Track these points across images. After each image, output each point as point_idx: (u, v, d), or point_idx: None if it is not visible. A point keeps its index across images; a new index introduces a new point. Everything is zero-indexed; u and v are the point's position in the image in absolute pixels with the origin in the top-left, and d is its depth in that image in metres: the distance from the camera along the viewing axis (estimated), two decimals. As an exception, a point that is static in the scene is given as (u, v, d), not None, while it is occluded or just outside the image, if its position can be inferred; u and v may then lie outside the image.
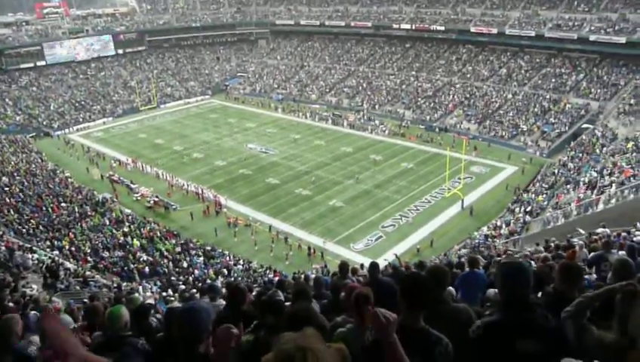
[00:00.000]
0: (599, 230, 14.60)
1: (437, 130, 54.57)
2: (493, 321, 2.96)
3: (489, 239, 28.93)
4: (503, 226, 30.85)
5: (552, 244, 13.69)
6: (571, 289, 3.74)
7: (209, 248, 31.47)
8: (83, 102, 67.53)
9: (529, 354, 2.70)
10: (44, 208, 33.51)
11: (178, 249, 30.46)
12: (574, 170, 36.44)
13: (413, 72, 67.39)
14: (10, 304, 10.49)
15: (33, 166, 43.64)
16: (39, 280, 18.42)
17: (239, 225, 35.60)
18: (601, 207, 22.97)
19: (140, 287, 21.28)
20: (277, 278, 20.15)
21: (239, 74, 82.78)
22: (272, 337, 3.15)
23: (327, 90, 70.51)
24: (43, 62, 70.50)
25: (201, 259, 29.47)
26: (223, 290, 10.63)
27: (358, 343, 3.13)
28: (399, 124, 56.63)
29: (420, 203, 38.03)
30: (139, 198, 40.07)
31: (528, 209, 32.19)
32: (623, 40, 50.88)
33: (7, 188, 35.68)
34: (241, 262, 29.86)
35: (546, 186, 36.24)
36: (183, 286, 19.86)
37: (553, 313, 3.14)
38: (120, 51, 78.53)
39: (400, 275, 5.32)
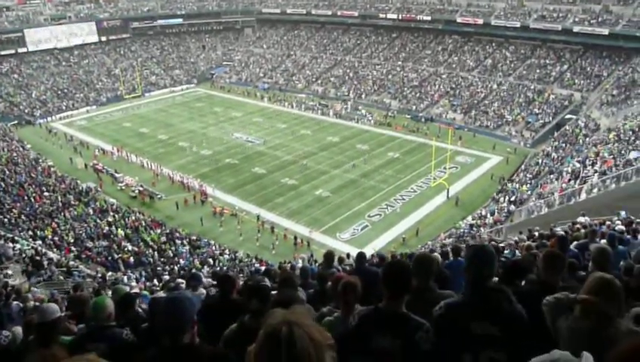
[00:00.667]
0: (580, 219, 14.82)
1: (423, 119, 54.76)
2: (454, 301, 3.03)
3: (474, 228, 29.21)
4: (488, 215, 31.16)
5: (536, 233, 13.86)
6: (555, 278, 3.79)
7: (194, 238, 31.36)
8: (66, 90, 66.50)
9: (482, 335, 2.75)
10: (26, 197, 33.00)
11: (163, 238, 30.29)
12: (558, 160, 36.84)
13: (400, 62, 67.39)
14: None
15: (15, 154, 42.89)
16: (22, 270, 18.21)
17: (225, 215, 35.50)
18: (583, 196, 23.27)
19: (125, 277, 21.18)
20: (263, 268, 20.16)
21: (225, 63, 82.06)
22: (256, 322, 3.15)
23: (314, 80, 70.27)
24: (24, 49, 69.14)
25: (187, 248, 29.37)
26: (208, 280, 10.62)
27: (342, 332, 3.15)
28: (385, 114, 56.71)
29: (406, 192, 38.23)
30: (123, 188, 39.71)
31: (512, 198, 32.53)
32: (605, 32, 51.36)
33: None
34: (227, 251, 29.81)
35: (530, 176, 36.63)
36: (167, 276, 19.77)
37: (537, 301, 3.19)
38: (103, 38, 77.31)
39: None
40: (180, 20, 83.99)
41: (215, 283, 8.46)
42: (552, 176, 32.81)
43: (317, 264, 17.35)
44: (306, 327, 1.59)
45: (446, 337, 2.84)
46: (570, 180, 28.40)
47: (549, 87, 53.47)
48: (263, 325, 1.64)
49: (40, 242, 25.24)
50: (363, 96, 63.12)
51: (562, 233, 11.70)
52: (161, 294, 6.68)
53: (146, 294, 10.43)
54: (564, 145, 39.80)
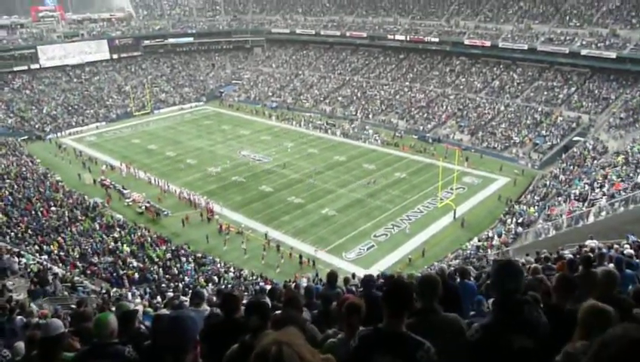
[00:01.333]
0: (588, 242, 14.68)
1: (430, 140, 54.81)
2: (488, 322, 3.02)
3: (480, 250, 28.99)
4: (495, 237, 30.93)
5: (542, 256, 13.73)
6: (565, 301, 3.76)
7: (200, 255, 31.30)
8: (76, 106, 67.30)
9: (526, 349, 2.75)
10: (33, 212, 33.22)
11: (169, 255, 30.27)
12: (565, 182, 36.67)
13: (407, 83, 67.77)
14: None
15: (24, 169, 43.34)
16: (26, 285, 18.21)
17: (231, 233, 35.47)
18: (591, 219, 23.11)
19: (129, 294, 21.12)
20: (268, 286, 20.05)
21: (234, 81, 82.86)
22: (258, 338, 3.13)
23: (322, 99, 70.71)
24: (37, 66, 70.23)
25: (192, 265, 29.30)
26: (214, 298, 10.56)
27: (345, 353, 3.13)
28: (393, 134, 56.83)
29: (413, 213, 38.08)
30: (130, 204, 39.84)
31: (520, 220, 32.32)
32: (613, 55, 51.49)
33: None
34: (232, 269, 29.70)
35: (538, 198, 36.43)
36: (171, 293, 19.71)
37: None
38: (115, 56, 78.45)
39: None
40: (190, 39, 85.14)
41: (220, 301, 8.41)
42: (559, 198, 32.62)
43: (322, 283, 17.24)
44: (296, 347, 1.59)
45: (487, 359, 2.83)
46: (577, 202, 28.22)
47: (557, 109, 53.47)
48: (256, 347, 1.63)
49: (46, 257, 25.29)
50: (370, 116, 63.37)
51: (570, 256, 11.59)
52: (165, 311, 6.64)
53: (150, 311, 10.39)
54: (571, 167, 39.66)
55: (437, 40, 67.54)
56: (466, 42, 64.59)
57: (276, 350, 1.56)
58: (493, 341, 2.85)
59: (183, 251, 31.41)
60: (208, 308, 6.54)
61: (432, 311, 3.54)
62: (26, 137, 57.73)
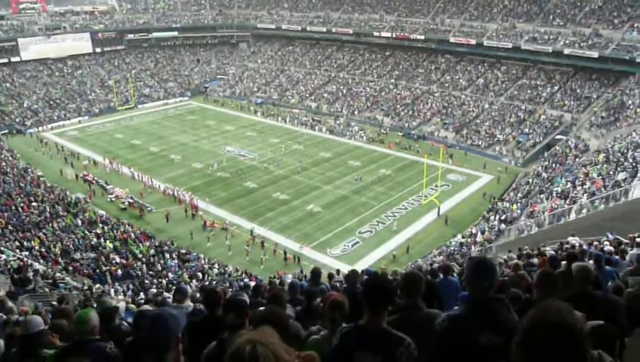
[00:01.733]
0: (570, 239, 14.89)
1: (415, 137, 55.08)
2: (457, 314, 3.04)
3: (464, 246, 29.24)
4: (478, 234, 31.22)
5: (524, 253, 13.90)
6: (546, 298, 3.78)
7: (184, 251, 31.10)
8: (58, 100, 66.30)
9: (491, 346, 2.75)
10: (13, 207, 32.66)
11: (152, 251, 30.02)
12: (548, 179, 37.12)
13: (393, 80, 67.97)
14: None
15: (3, 164, 42.55)
16: (7, 282, 17.93)
17: (215, 229, 35.30)
18: (573, 216, 23.42)
19: (112, 290, 20.93)
20: (253, 283, 20.01)
21: (219, 76, 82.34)
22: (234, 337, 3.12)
23: (307, 95, 70.62)
24: (18, 58, 69.00)
25: (176, 261, 29.11)
26: (197, 295, 10.51)
27: (328, 349, 3.13)
28: (378, 131, 56.99)
29: (397, 209, 38.27)
30: (113, 199, 39.43)
31: (503, 217, 32.65)
32: (595, 54, 52.19)
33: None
34: (216, 265, 29.57)
35: (521, 195, 36.82)
36: (154, 290, 19.57)
37: None
38: (98, 50, 77.42)
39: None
40: (175, 33, 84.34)
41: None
42: (542, 195, 33.01)
43: (307, 280, 17.26)
44: (271, 346, 1.59)
45: (451, 351, 2.84)
46: (559, 200, 28.59)
47: (540, 107, 54.07)
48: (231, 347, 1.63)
49: (26, 253, 24.91)
50: (356, 112, 63.47)
51: (552, 252, 11.74)
52: (147, 307, 6.58)
53: (132, 308, 10.29)
54: (554, 165, 40.15)
55: (422, 37, 67.81)
56: (452, 40, 64.94)
57: (250, 349, 1.55)
58: (459, 333, 2.86)
59: (166, 247, 31.18)
60: (191, 305, 6.50)
61: (415, 307, 3.56)
62: (6, 131, 56.74)
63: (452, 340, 2.86)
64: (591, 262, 6.62)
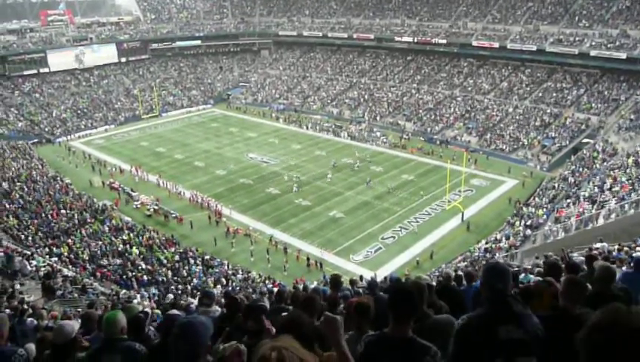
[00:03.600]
0: (598, 245, 14.59)
1: (438, 142, 54.67)
2: (476, 314, 3.05)
3: (489, 252, 28.86)
4: (503, 240, 30.79)
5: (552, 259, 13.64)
6: (574, 306, 3.73)
7: (208, 257, 31.40)
8: (85, 110, 67.79)
9: (510, 339, 2.74)
10: (43, 214, 33.50)
11: (177, 257, 30.39)
12: (574, 184, 36.43)
13: (415, 85, 67.68)
14: (7, 311, 10.47)
15: (34, 172, 43.70)
16: (38, 287, 18.38)
17: (238, 235, 35.54)
18: (601, 221, 22.94)
19: (138, 295, 21.23)
20: (276, 288, 20.08)
21: (241, 83, 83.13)
22: (254, 343, 3.17)
23: (329, 101, 70.77)
24: (46, 69, 70.83)
25: (200, 267, 29.40)
26: (222, 300, 10.60)
27: (355, 353, 3.15)
28: (400, 136, 56.74)
29: (420, 215, 37.99)
30: (139, 206, 40.05)
31: (528, 223, 32.14)
32: (623, 56, 51.13)
33: (7, 194, 35.76)
34: (240, 271, 29.76)
35: (547, 200, 36.21)
36: (171, 295, 19.78)
37: (556, 330, 3.14)
38: (123, 59, 78.94)
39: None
40: (198, 42, 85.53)
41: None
42: (568, 200, 32.41)
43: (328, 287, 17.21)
44: (295, 350, 1.62)
45: (471, 346, 2.84)
46: (587, 205, 28.02)
47: (566, 110, 53.16)
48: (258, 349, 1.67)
49: (56, 259, 25.49)
50: (378, 118, 63.34)
51: (581, 258, 11.51)
52: (175, 312, 6.65)
53: (158, 313, 10.44)
54: (581, 169, 39.39)
55: (444, 42, 67.41)
56: (474, 44, 64.42)
57: (277, 354, 1.59)
58: (478, 327, 2.87)
59: (191, 253, 31.53)
60: (219, 309, 6.56)
61: (423, 315, 3.57)
62: (35, 140, 58.20)
63: (471, 335, 2.87)
64: (624, 268, 6.48)
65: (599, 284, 4.11)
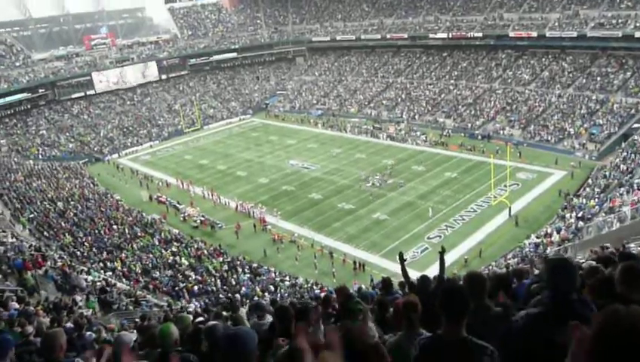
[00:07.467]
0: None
1: (479, 137, 53.61)
2: (536, 312, 2.95)
3: (540, 247, 28.02)
4: (554, 233, 29.83)
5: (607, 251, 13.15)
6: (631, 293, 3.58)
7: (255, 265, 31.79)
8: (130, 128, 70.09)
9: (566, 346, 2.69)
10: (96, 231, 34.79)
11: (225, 267, 30.92)
12: (627, 171, 34.94)
13: (452, 81, 66.65)
14: (69, 324, 10.93)
15: (86, 190, 45.43)
16: (94, 301, 19.07)
17: (284, 242, 35.86)
18: (658, 209, 21.91)
19: (190, 306, 21.70)
20: (323, 293, 20.13)
21: (278, 92, 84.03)
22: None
23: (366, 103, 70.57)
24: (92, 91, 73.69)
25: (248, 276, 29.79)
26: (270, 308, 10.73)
27: (409, 349, 3.14)
28: (440, 134, 55.95)
29: (466, 212, 37.31)
30: (186, 218, 41.01)
31: (580, 214, 31.02)
32: (672, 34, 48.82)
33: (62, 213, 37.35)
34: (287, 278, 30.00)
35: (598, 190, 34.87)
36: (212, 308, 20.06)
37: None
38: (164, 76, 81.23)
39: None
40: (234, 54, 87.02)
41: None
42: (621, 189, 31.10)
43: (379, 289, 17.14)
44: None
45: (526, 348, 2.78)
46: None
47: (613, 96, 51.11)
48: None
49: (110, 273, 26.42)
50: (417, 117, 62.67)
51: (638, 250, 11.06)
52: (214, 322, 6.74)
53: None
54: (633, 155, 37.73)
55: (480, 35, 66.20)
56: (511, 34, 62.97)
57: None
58: (535, 331, 2.79)
59: (238, 262, 32.02)
60: (270, 318, 6.64)
61: (483, 307, 3.47)
62: (86, 160, 60.57)
63: (527, 337, 2.80)
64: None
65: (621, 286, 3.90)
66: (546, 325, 2.79)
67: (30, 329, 9.09)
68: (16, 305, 12.40)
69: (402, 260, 7.62)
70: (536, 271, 12.43)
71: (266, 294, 25.35)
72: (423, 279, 7.03)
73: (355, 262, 31.84)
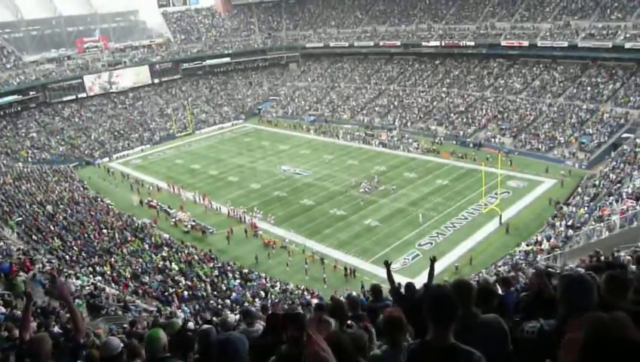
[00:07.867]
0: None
1: (471, 145, 53.90)
2: (549, 327, 2.93)
3: (530, 255, 28.15)
4: (544, 241, 29.99)
5: (599, 258, 13.22)
6: (617, 300, 3.60)
7: (246, 271, 31.67)
8: (122, 131, 69.75)
9: None
10: (86, 235, 34.50)
11: (215, 272, 30.76)
12: (616, 180, 35.26)
13: (445, 88, 67.04)
14: (56, 329, 10.81)
15: (76, 194, 45.07)
16: (82, 306, 18.89)
17: (275, 247, 35.77)
18: (646, 218, 22.09)
19: (180, 311, 21.57)
20: (315, 300, 20.09)
21: (271, 97, 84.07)
22: (294, 351, 3.18)
23: (359, 110, 70.75)
24: (84, 94, 73.28)
25: (238, 281, 29.66)
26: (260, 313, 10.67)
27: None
28: (432, 141, 56.20)
29: (457, 220, 37.45)
30: (176, 223, 40.81)
31: (570, 223, 31.24)
32: (661, 46, 49.48)
33: (52, 217, 37.03)
34: (277, 284, 29.89)
35: (588, 199, 35.16)
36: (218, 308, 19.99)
37: None
38: (156, 80, 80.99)
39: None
40: (227, 59, 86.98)
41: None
42: (610, 198, 31.37)
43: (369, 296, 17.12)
44: None
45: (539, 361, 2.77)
46: (630, 201, 27.04)
47: (603, 105, 51.65)
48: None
49: (99, 278, 26.19)
50: (409, 124, 62.92)
51: (629, 257, 11.14)
52: (207, 327, 6.69)
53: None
54: (622, 165, 38.10)
55: (472, 43, 66.70)
56: (503, 43, 63.51)
57: None
58: (547, 346, 2.78)
59: (229, 267, 31.87)
60: (261, 327, 6.59)
61: (470, 314, 3.46)
62: (76, 163, 60.14)
63: (538, 350, 2.79)
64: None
65: (609, 296, 3.91)
66: (554, 342, 2.76)
67: (17, 333, 8.96)
68: (3, 309, 12.26)
69: (388, 266, 7.64)
70: (522, 279, 12.47)
71: (257, 300, 25.25)
72: (409, 286, 7.03)
73: (346, 269, 31.82)
